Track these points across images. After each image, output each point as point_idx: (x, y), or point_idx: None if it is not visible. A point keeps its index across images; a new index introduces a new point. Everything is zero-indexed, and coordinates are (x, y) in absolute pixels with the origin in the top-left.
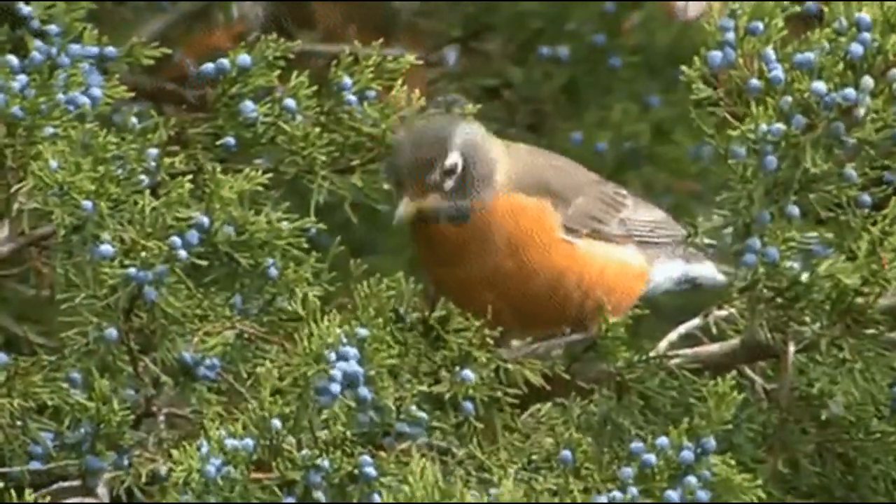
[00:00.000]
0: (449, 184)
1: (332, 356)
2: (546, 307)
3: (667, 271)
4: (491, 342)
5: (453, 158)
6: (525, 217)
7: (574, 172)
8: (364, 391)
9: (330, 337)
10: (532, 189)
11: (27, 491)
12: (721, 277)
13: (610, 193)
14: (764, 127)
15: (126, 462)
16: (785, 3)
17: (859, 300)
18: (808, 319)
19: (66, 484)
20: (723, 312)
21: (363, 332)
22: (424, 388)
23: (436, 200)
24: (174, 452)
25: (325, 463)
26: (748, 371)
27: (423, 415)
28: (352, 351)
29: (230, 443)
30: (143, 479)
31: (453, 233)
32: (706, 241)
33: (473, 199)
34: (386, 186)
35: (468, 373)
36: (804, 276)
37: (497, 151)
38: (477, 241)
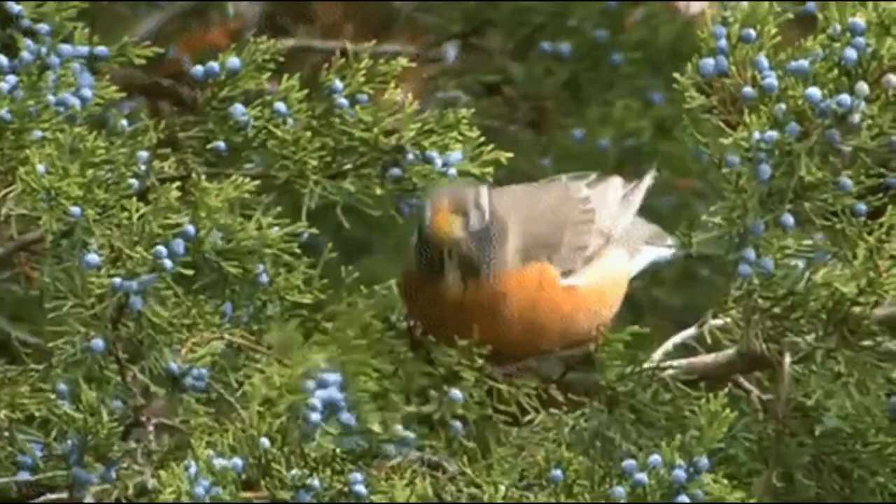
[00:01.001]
0: (475, 220)
1: (311, 385)
2: (556, 345)
3: (646, 254)
4: (480, 360)
5: (484, 196)
6: (530, 287)
7: (556, 208)
8: (346, 417)
9: (309, 364)
10: (531, 249)
11: (14, 503)
12: (670, 243)
13: (580, 209)
14: (757, 135)
15: (114, 474)
16: (777, 9)
17: (855, 310)
18: (804, 330)
19: (53, 496)
20: (718, 321)
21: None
22: (413, 409)
23: (459, 227)
24: (162, 473)
25: (315, 482)
26: (744, 382)
27: (410, 434)
28: (332, 377)
29: (218, 462)
30: (131, 492)
31: (455, 300)
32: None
33: (488, 262)
34: (379, 191)
35: (457, 393)
36: (800, 286)
37: (509, 225)
38: (481, 314)
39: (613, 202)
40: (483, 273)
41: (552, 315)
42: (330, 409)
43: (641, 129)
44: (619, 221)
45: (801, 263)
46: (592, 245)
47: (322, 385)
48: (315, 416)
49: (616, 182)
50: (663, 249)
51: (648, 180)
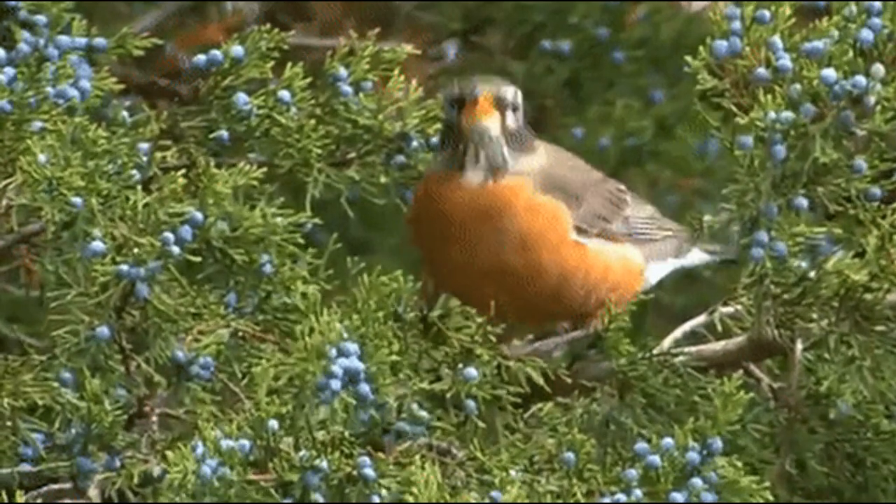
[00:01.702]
0: (511, 119)
1: (333, 352)
2: (549, 304)
3: (660, 269)
4: (493, 339)
5: (519, 97)
6: (541, 217)
7: (587, 171)
8: (365, 388)
9: (331, 332)
10: (552, 188)
11: (17, 493)
12: (704, 256)
13: (614, 192)
14: (772, 115)
15: (118, 463)
16: None
17: (868, 296)
18: (815, 316)
19: (56, 486)
20: (728, 309)
21: (364, 328)
22: (425, 385)
23: (497, 122)
24: (169, 454)
25: (324, 464)
26: (754, 369)
27: (424, 414)
28: (352, 347)
29: (226, 443)
30: (136, 481)
31: (464, 205)
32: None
33: (513, 160)
34: (384, 179)
35: (471, 370)
36: (812, 272)
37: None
38: (490, 226)
39: (643, 211)
40: (509, 167)
41: (552, 261)
42: (350, 378)
43: (643, 128)
44: (647, 229)
45: (812, 251)
46: (615, 227)
47: (343, 353)
48: (336, 384)
49: (648, 205)
50: (688, 258)
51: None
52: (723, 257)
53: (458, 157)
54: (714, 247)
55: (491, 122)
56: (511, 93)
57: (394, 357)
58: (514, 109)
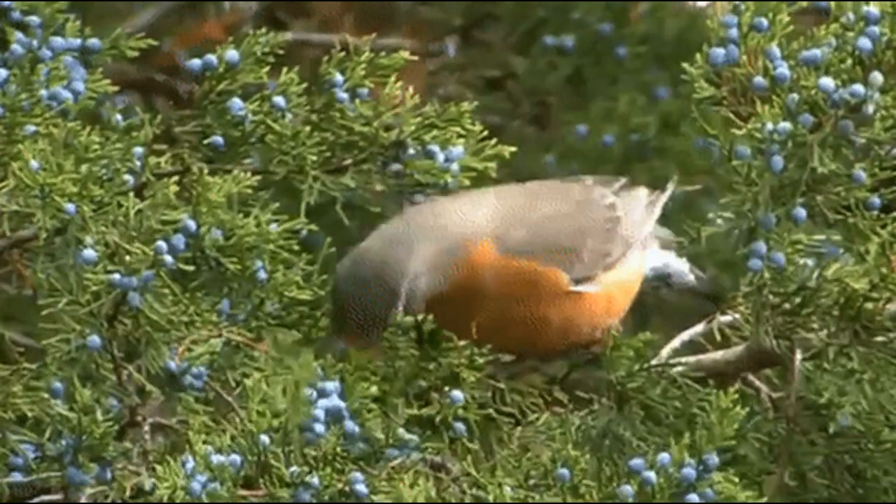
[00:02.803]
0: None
1: (313, 395)
2: (555, 347)
3: (652, 259)
4: (481, 361)
5: (398, 309)
6: (524, 279)
7: (578, 214)
8: (350, 425)
9: (308, 373)
10: (531, 251)
11: None
12: (691, 278)
13: (605, 216)
14: (770, 126)
15: (109, 475)
16: None
17: (868, 306)
18: (815, 326)
19: (47, 497)
20: (727, 318)
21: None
22: (414, 410)
23: (378, 343)
24: (158, 468)
25: (315, 480)
26: (753, 379)
27: (412, 437)
28: (332, 385)
29: (216, 459)
30: (128, 493)
31: (455, 305)
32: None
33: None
34: (379, 186)
35: (457, 394)
36: (811, 281)
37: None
38: (471, 305)
39: (638, 210)
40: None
41: (553, 316)
42: (333, 417)
43: (647, 124)
44: (642, 229)
45: (811, 260)
46: (615, 253)
47: (322, 394)
48: (320, 428)
49: (642, 193)
50: (677, 263)
51: (670, 190)
52: (704, 289)
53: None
54: (702, 274)
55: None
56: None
57: (374, 392)
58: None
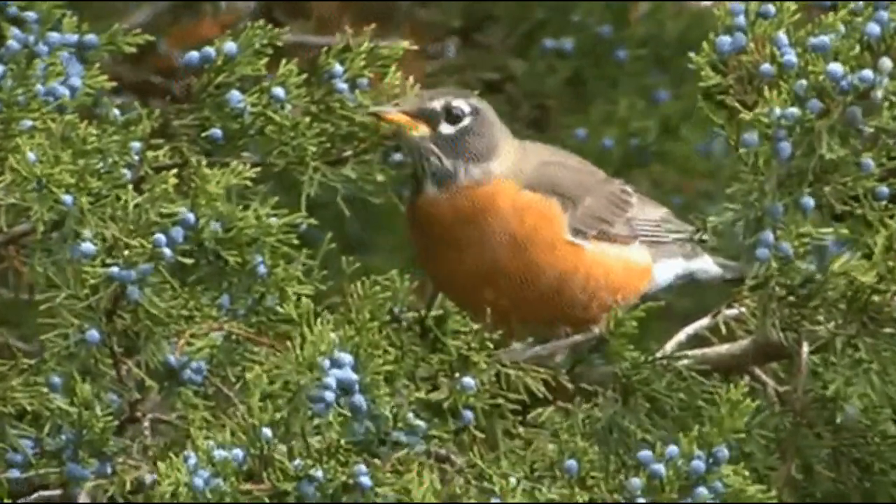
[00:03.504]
0: (447, 129)
1: (326, 363)
2: (549, 307)
3: (669, 269)
4: (491, 345)
5: (462, 104)
6: (531, 215)
7: (584, 172)
8: (359, 399)
9: (324, 342)
10: (541, 188)
11: (6, 500)
12: (717, 269)
13: (617, 193)
14: (777, 111)
15: (109, 470)
16: None
17: (876, 298)
18: (822, 318)
19: (46, 493)
20: (733, 311)
21: (358, 336)
22: (422, 394)
23: (424, 134)
24: (160, 464)
25: (319, 473)
26: (759, 373)
27: (420, 423)
28: (346, 357)
29: (219, 453)
30: (128, 488)
31: (450, 215)
32: (706, 237)
33: (464, 167)
34: (380, 177)
35: (469, 380)
36: (818, 274)
37: (507, 141)
38: (477, 231)
39: (653, 214)
40: (459, 175)
41: (548, 261)
42: (343, 389)
43: (646, 128)
44: (652, 230)
45: (817, 254)
46: (616, 229)
47: (336, 364)
48: (329, 395)
49: (662, 209)
50: (696, 262)
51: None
52: (732, 275)
53: (412, 175)
54: (727, 262)
55: (414, 134)
56: (440, 104)
57: (389, 367)
58: (455, 119)
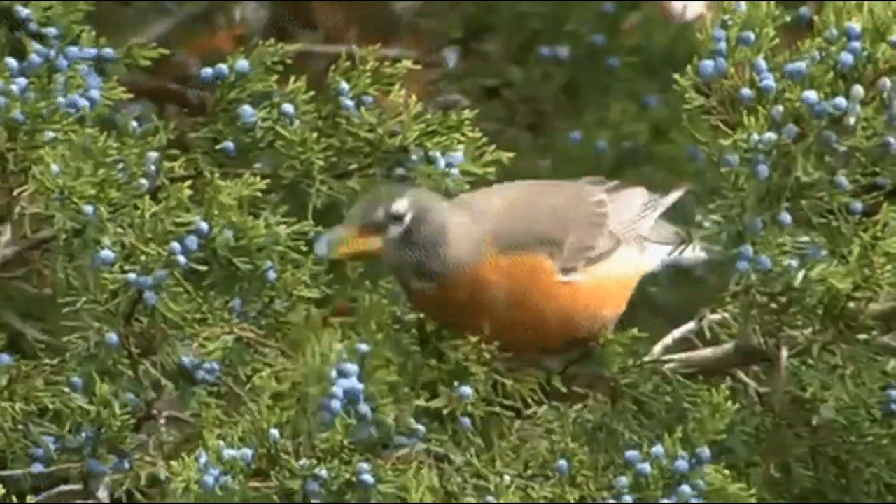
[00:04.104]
0: (395, 230)
1: (334, 374)
2: (558, 339)
3: (657, 253)
4: (489, 357)
5: (400, 205)
6: (519, 274)
7: (562, 207)
8: (364, 408)
9: (331, 353)
10: (522, 244)
11: (28, 494)
12: (702, 255)
13: (593, 210)
14: (755, 136)
15: (127, 465)
16: (776, 12)
17: (851, 305)
18: (800, 324)
19: (67, 487)
20: (716, 316)
21: (364, 347)
22: (422, 402)
23: (377, 244)
24: (173, 463)
25: (323, 472)
26: (742, 375)
27: (420, 427)
28: (352, 367)
29: (228, 453)
30: (144, 482)
31: (444, 303)
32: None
33: (438, 259)
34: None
35: (467, 389)
36: (797, 281)
37: (454, 214)
38: (474, 306)
39: (632, 208)
40: (431, 267)
41: (549, 307)
42: (349, 399)
43: (638, 131)
44: (635, 226)
45: (796, 262)
46: (600, 247)
47: (343, 374)
48: (336, 405)
49: (639, 191)
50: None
51: (674, 195)
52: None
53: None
54: (712, 246)
55: (371, 243)
56: (381, 212)
57: (392, 378)
58: (398, 219)
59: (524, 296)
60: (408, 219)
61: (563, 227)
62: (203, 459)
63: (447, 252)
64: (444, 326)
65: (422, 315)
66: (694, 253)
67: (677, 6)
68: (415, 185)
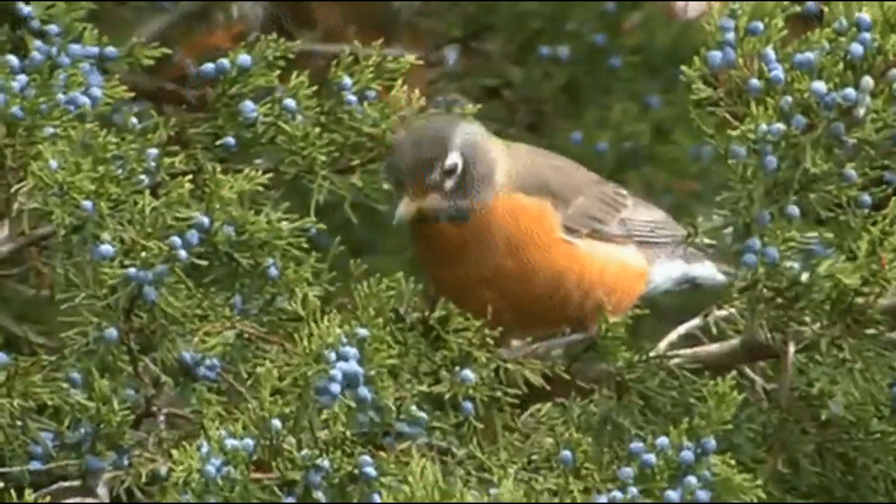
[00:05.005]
0: (449, 184)
1: (332, 356)
2: (546, 307)
3: (667, 271)
4: (491, 342)
5: (453, 158)
6: (525, 217)
7: (574, 172)
8: (364, 391)
9: (330, 337)
10: (532, 189)
11: (27, 491)
12: (721, 277)
13: (610, 193)
14: (764, 127)
15: (126, 462)
16: (785, 3)
17: (859, 300)
18: (808, 319)
19: (66, 484)
20: (723, 312)
21: (363, 331)
22: (424, 388)
23: (436, 200)
24: (174, 452)
25: (325, 463)
26: (748, 371)
27: (422, 415)
28: (352, 351)
29: (230, 443)
30: (143, 479)
31: (453, 233)
32: (706, 241)
33: (473, 199)
34: (386, 186)
35: (468, 373)
36: (804, 276)
37: (496, 151)
38: (477, 241)
39: (648, 216)
40: (473, 206)
41: (543, 260)
42: (349, 382)
43: (639, 132)
44: (648, 232)
45: (804, 257)
46: (610, 227)
47: (342, 357)
48: (335, 388)
49: (657, 209)
50: (698, 267)
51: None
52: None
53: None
54: (730, 270)
55: (430, 202)
56: (437, 171)
57: (392, 361)
58: (451, 173)
59: (522, 240)
60: (459, 168)
61: (572, 186)
62: (205, 449)
63: (491, 185)
64: (435, 262)
65: (420, 246)
66: (708, 271)
67: (680, 3)
68: (459, 119)
